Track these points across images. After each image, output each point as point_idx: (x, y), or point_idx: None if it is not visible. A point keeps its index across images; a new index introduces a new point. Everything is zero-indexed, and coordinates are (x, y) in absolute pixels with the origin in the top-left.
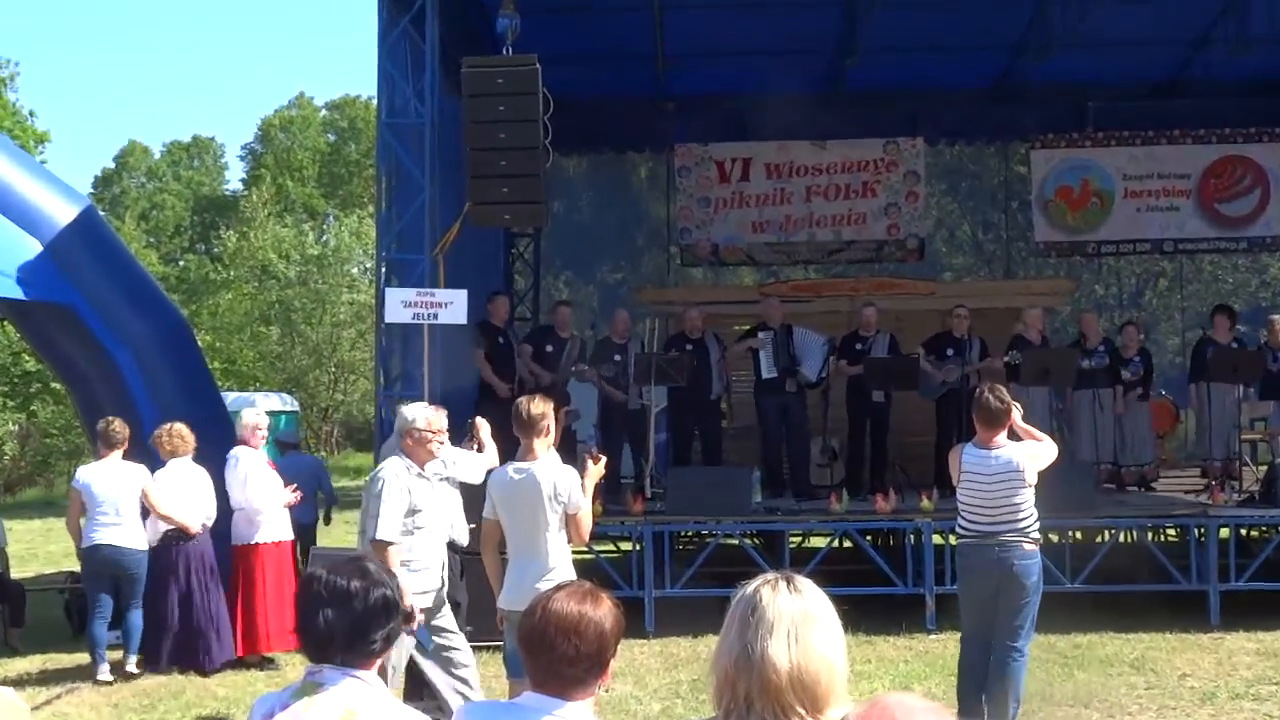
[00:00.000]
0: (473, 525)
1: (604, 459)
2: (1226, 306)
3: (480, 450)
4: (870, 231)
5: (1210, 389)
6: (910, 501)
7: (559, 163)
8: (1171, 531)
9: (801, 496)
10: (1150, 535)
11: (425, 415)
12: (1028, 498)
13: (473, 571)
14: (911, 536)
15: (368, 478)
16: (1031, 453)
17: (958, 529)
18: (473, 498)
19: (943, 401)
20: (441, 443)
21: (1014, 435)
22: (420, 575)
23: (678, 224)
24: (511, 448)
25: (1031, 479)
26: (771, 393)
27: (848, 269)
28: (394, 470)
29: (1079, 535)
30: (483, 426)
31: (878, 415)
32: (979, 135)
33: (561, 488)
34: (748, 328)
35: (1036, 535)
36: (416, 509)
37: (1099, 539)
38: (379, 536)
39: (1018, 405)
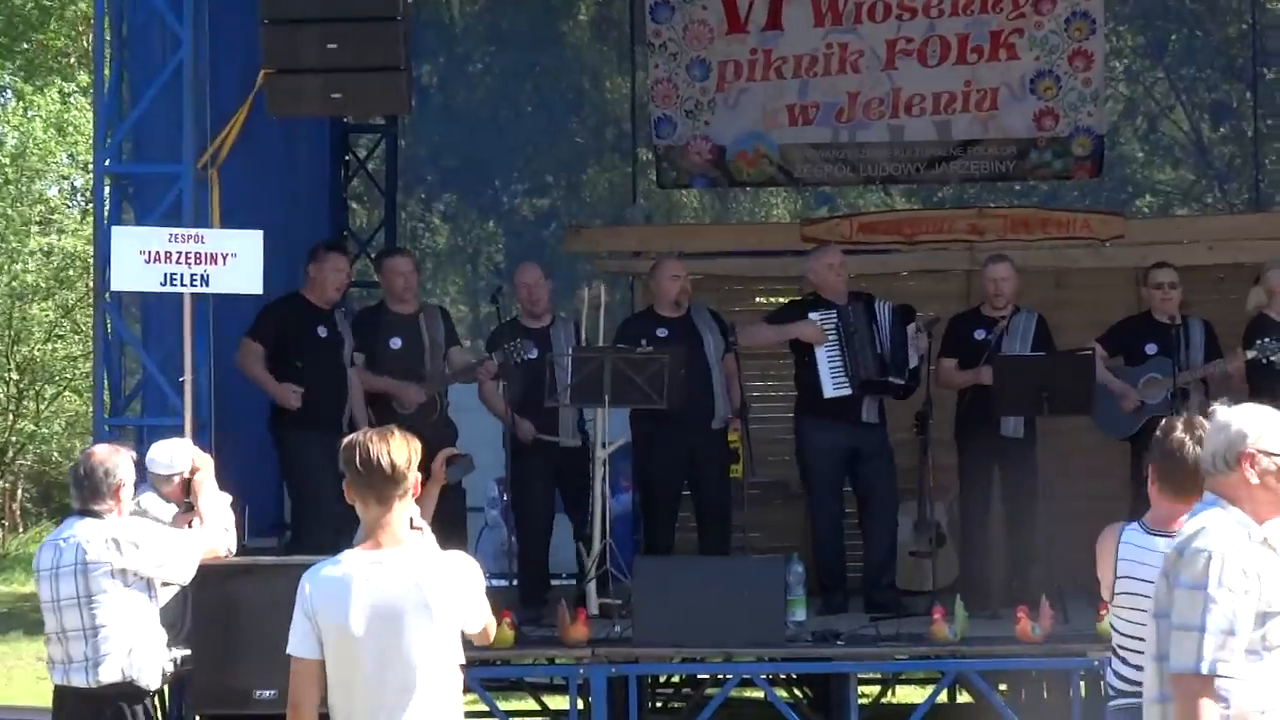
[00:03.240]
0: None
1: (426, 527)
2: None
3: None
4: (1005, 124)
5: None
6: (1080, 621)
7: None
8: None
9: (881, 611)
10: None
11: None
12: None
13: None
14: (1081, 683)
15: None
16: None
17: (1110, 679)
18: None
19: (1143, 442)
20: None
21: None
22: None
23: (650, 110)
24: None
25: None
26: (833, 422)
27: (963, 194)
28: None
29: None
30: (204, 469)
31: (1012, 463)
32: None
33: (446, 590)
34: (786, 301)
35: None
36: None
37: None
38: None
39: None
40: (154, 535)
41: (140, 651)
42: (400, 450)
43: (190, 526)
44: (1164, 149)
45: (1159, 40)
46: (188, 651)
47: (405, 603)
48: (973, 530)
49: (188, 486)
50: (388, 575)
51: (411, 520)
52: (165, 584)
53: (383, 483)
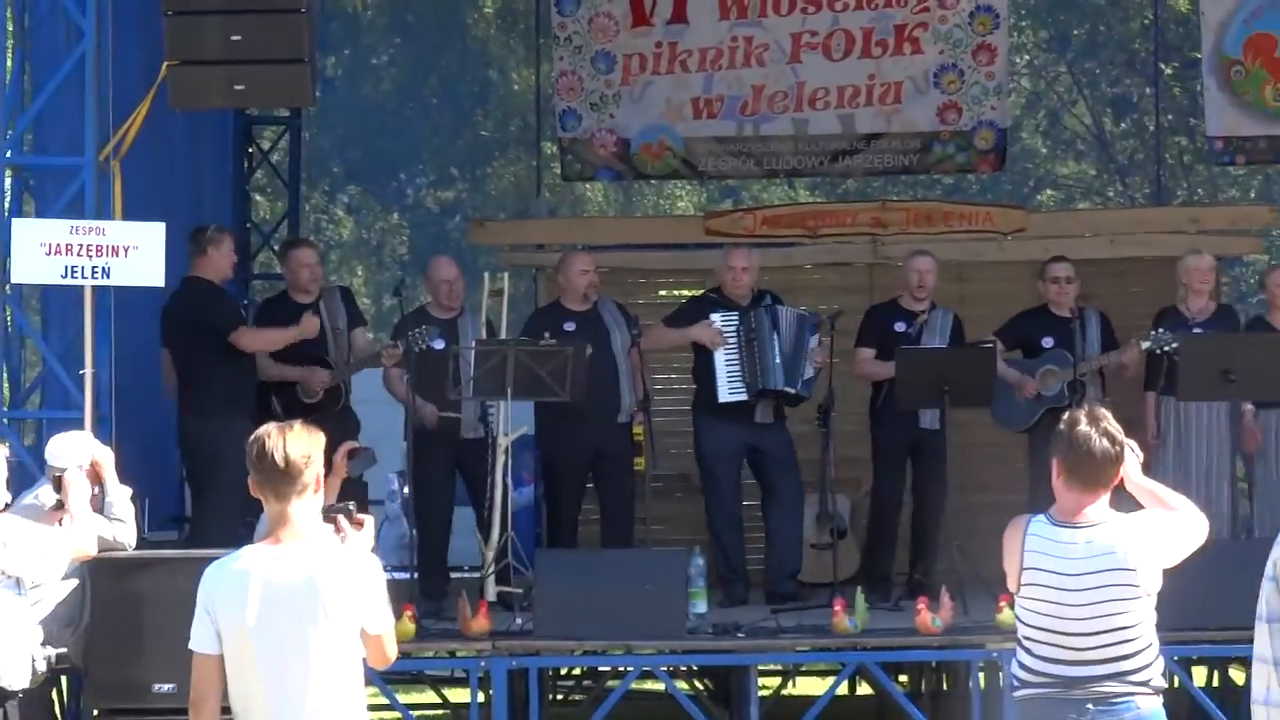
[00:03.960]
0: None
1: (367, 520)
2: None
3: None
4: (908, 117)
5: None
6: (979, 612)
7: None
8: None
9: (781, 603)
10: None
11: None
12: (1144, 616)
13: None
14: (980, 675)
15: None
16: (1155, 532)
17: (1015, 670)
18: None
19: (1040, 433)
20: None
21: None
22: None
23: (555, 102)
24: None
25: (1152, 581)
26: (731, 422)
27: (867, 187)
28: None
29: None
30: (104, 462)
31: (926, 456)
32: None
33: (346, 588)
34: (687, 296)
35: (1161, 683)
36: None
37: None
38: None
39: (1134, 447)
40: (22, 533)
41: (4, 650)
42: (298, 445)
43: (60, 524)
44: (1066, 143)
45: (1062, 35)
46: (64, 650)
47: (301, 598)
48: (880, 522)
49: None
50: (284, 570)
51: (352, 512)
52: (34, 585)
53: (279, 478)
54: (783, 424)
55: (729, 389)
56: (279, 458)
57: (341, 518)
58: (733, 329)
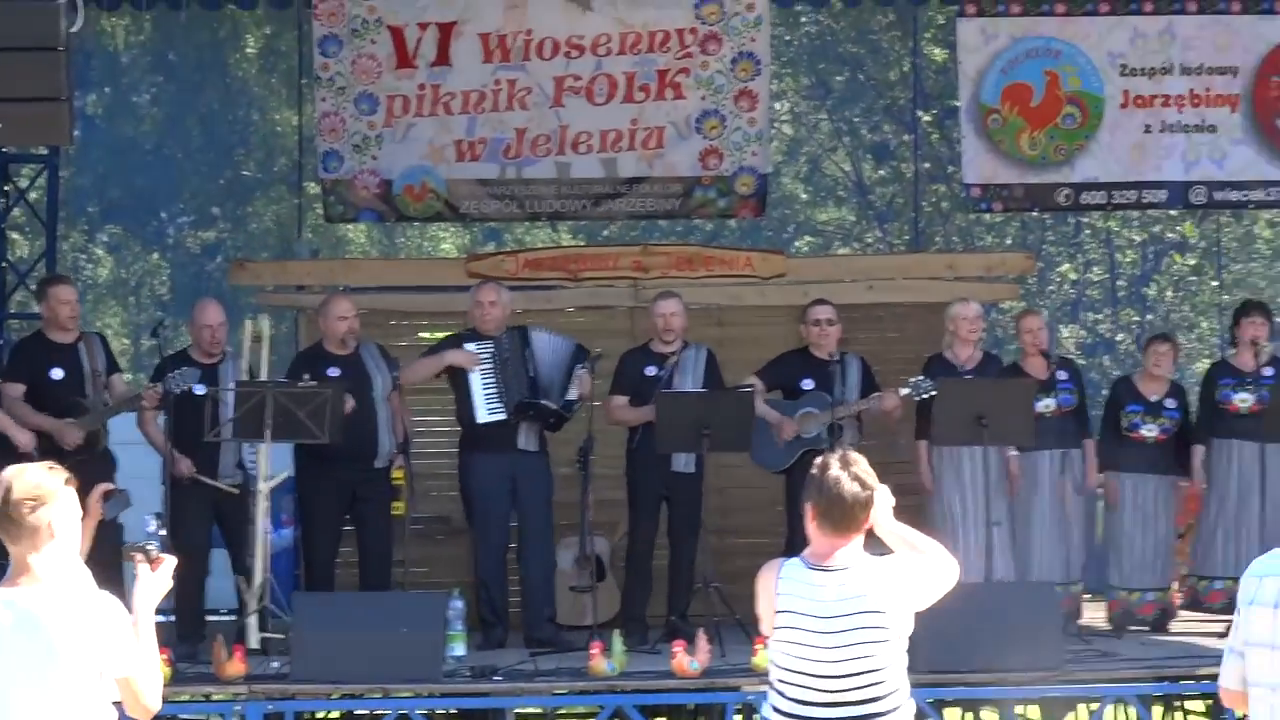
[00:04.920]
0: None
1: (168, 561)
2: (1259, 304)
3: None
4: (670, 162)
5: (1241, 454)
6: (736, 655)
7: (96, 23)
8: (1197, 705)
9: (540, 646)
10: (1161, 714)
11: None
12: (895, 658)
13: None
14: (736, 717)
15: None
16: (904, 575)
17: (767, 713)
18: None
19: (798, 475)
20: None
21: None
22: None
23: (318, 143)
24: None
25: (902, 624)
26: (491, 450)
27: (629, 231)
28: None
29: (1028, 715)
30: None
31: (681, 499)
32: None
33: (79, 631)
34: (443, 336)
35: None
36: None
37: None
38: None
39: (885, 490)
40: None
41: None
42: (25, 488)
43: None
44: (826, 189)
45: (823, 82)
46: None
47: (33, 645)
48: (637, 564)
49: None
50: (16, 617)
51: (149, 552)
52: None
53: (5, 522)
54: (545, 455)
55: (487, 408)
56: (16, 500)
57: (138, 556)
58: (488, 353)
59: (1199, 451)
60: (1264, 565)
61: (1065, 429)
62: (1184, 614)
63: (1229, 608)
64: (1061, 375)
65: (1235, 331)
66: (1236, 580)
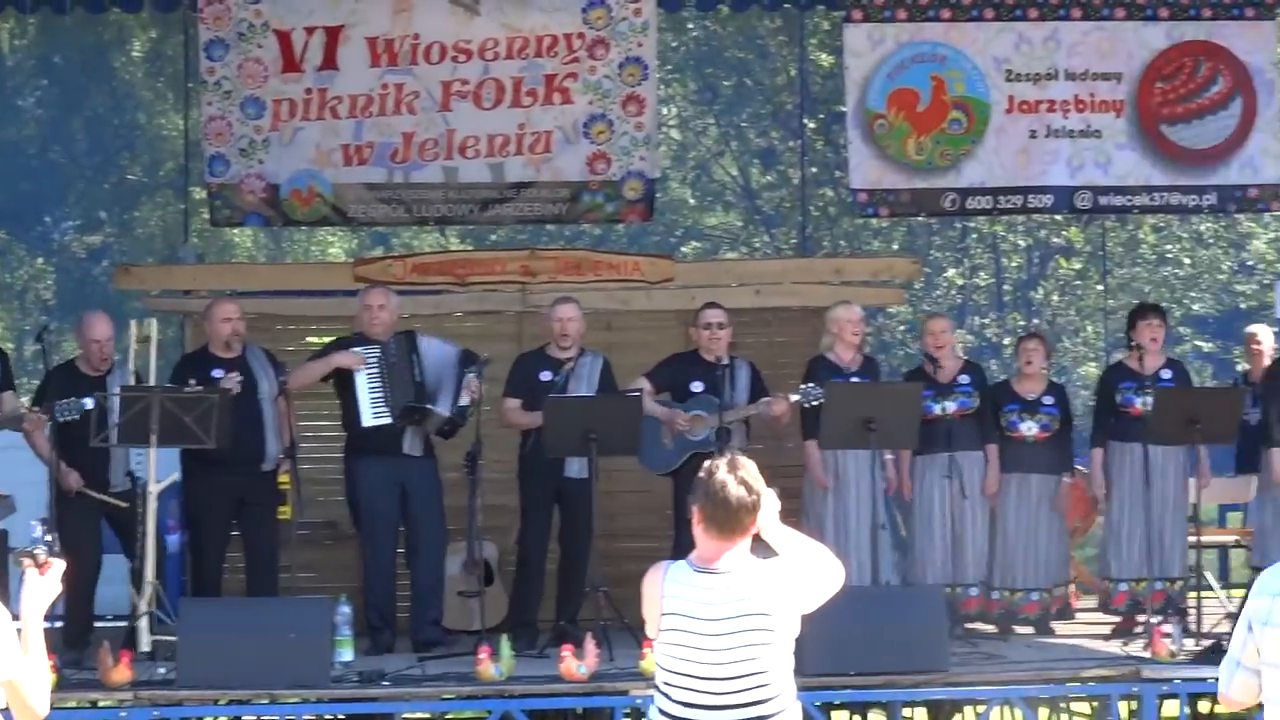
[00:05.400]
0: None
1: (57, 564)
2: (1154, 307)
3: None
4: (558, 167)
5: (1141, 456)
6: (624, 659)
7: None
8: (1083, 707)
9: (428, 651)
10: (1048, 715)
11: None
12: (780, 661)
13: None
14: None
15: None
16: (790, 578)
17: (654, 715)
18: None
19: (685, 478)
20: None
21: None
22: None
23: (204, 147)
24: None
25: (788, 626)
26: (376, 456)
27: (517, 235)
28: None
29: (915, 717)
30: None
31: (573, 504)
32: None
33: None
34: (328, 340)
35: None
36: None
37: None
38: None
39: (772, 494)
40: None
41: None
42: None
43: None
44: (714, 194)
45: (710, 88)
46: None
47: None
48: (527, 569)
49: None
50: None
51: (36, 556)
52: None
53: None
54: (432, 459)
55: (372, 412)
56: None
57: (26, 560)
58: (374, 357)
59: (1098, 455)
60: (1276, 583)
61: (964, 432)
62: (1095, 616)
63: (1134, 609)
64: (963, 379)
65: (1131, 334)
66: (1140, 582)
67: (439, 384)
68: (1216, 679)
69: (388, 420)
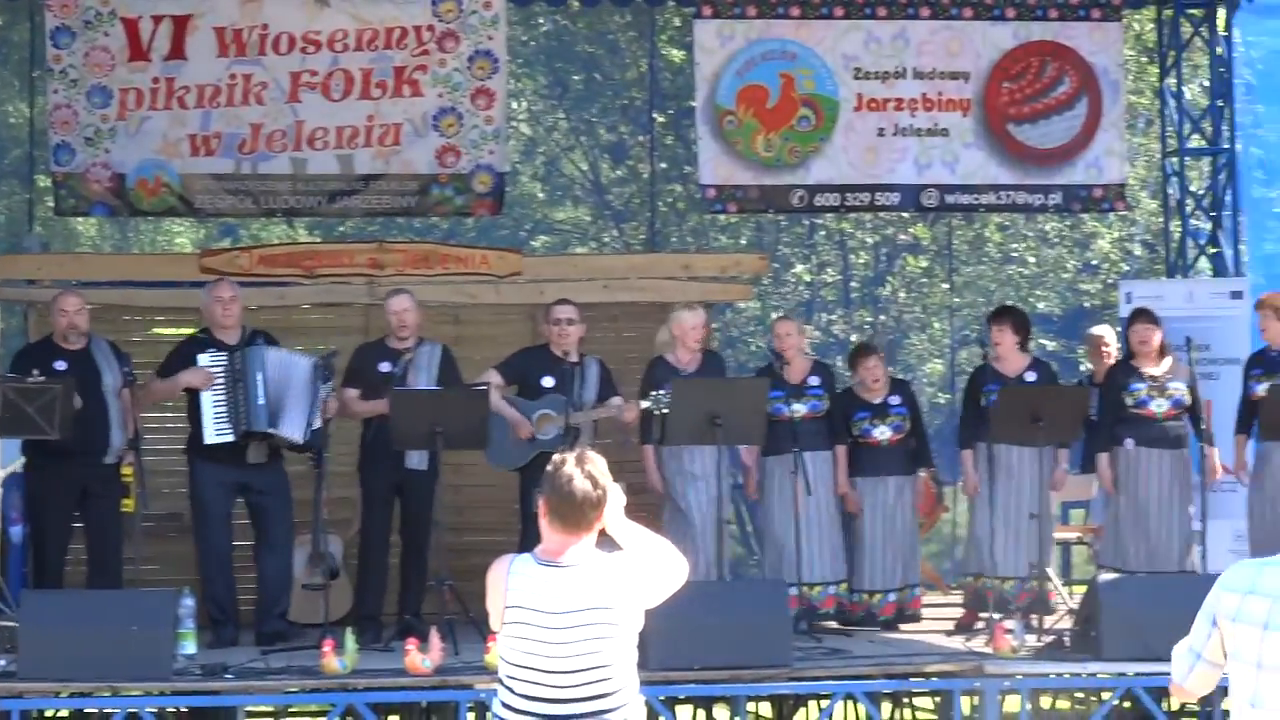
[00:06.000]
0: None
1: None
2: (1013, 310)
3: None
4: (407, 159)
5: (991, 455)
6: (469, 653)
7: None
8: (926, 703)
9: (271, 642)
10: (891, 711)
11: None
12: (624, 654)
13: None
14: (469, 715)
15: None
16: (634, 573)
17: (497, 709)
18: None
19: (533, 474)
20: None
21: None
22: None
23: (49, 135)
24: None
25: (632, 621)
26: (223, 463)
27: (365, 227)
28: None
29: (760, 712)
30: None
31: (414, 496)
32: None
33: None
34: (183, 336)
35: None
36: None
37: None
38: None
39: (618, 489)
40: None
41: None
42: None
43: None
44: (563, 188)
45: (560, 82)
46: None
47: None
48: (369, 562)
49: None
50: None
51: None
52: None
53: None
54: (278, 464)
55: (215, 430)
56: None
57: None
58: (221, 368)
59: (968, 456)
60: (1245, 580)
61: (813, 432)
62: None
63: (1001, 607)
64: (813, 380)
65: (993, 336)
66: (1010, 580)
67: (288, 403)
68: (1058, 675)
69: (230, 439)
